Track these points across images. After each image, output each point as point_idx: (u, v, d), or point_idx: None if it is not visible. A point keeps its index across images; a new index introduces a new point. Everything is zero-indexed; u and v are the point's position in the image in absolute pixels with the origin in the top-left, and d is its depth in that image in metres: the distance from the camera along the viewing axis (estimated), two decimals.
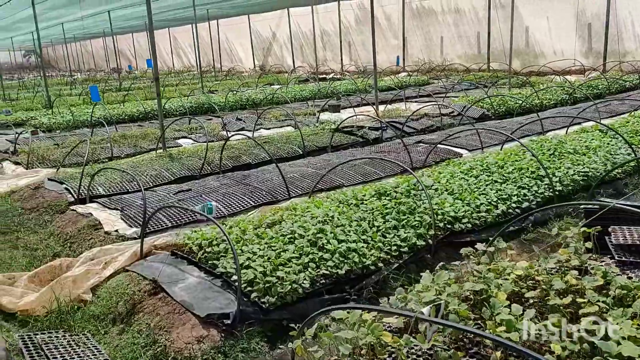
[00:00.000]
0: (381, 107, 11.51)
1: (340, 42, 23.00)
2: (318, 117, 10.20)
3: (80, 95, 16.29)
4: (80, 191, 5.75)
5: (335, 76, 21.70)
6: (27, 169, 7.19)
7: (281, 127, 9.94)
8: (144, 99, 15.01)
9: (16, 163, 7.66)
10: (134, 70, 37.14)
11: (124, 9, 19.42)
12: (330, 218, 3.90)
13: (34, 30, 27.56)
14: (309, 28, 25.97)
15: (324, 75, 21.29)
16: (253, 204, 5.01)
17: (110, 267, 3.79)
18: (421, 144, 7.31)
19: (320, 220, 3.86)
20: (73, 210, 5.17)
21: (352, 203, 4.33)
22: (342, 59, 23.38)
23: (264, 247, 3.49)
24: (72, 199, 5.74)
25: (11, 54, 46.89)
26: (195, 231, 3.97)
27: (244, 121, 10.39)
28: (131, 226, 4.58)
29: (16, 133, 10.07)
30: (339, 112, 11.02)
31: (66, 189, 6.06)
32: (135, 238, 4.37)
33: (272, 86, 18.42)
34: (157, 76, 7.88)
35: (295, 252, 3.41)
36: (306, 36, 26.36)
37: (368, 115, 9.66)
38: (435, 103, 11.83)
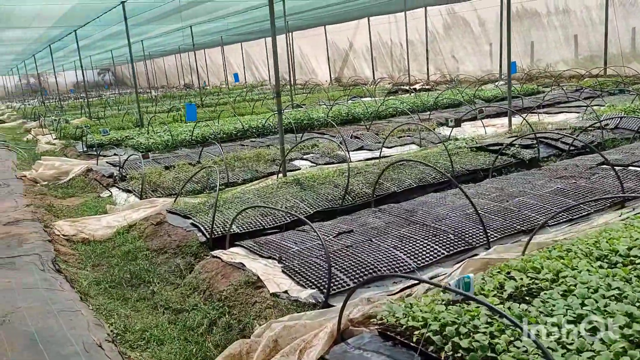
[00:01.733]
0: (502, 120, 10.16)
1: (427, 50, 21.70)
2: (451, 133, 8.93)
3: (170, 112, 15.86)
4: (213, 229, 4.83)
5: (422, 86, 20.41)
6: (140, 199, 6.39)
7: (403, 144, 8.78)
8: (231, 114, 14.33)
9: (126, 191, 6.92)
10: (207, 86, 37.34)
11: (201, 25, 19.07)
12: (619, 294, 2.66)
13: (113, 49, 28.17)
14: (389, 37, 24.88)
15: (415, 86, 20.04)
16: (445, 252, 3.84)
17: (306, 356, 2.72)
18: (605, 166, 5.93)
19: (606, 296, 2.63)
20: (216, 257, 4.21)
21: (616, 261, 3.08)
22: (428, 69, 22.07)
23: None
24: (204, 239, 4.83)
25: (89, 72, 48.60)
26: (410, 305, 2.84)
27: (361, 139, 9.31)
28: (304, 286, 3.52)
29: (117, 154, 9.51)
30: (460, 126, 9.74)
31: (193, 224, 5.16)
32: (315, 304, 3.31)
33: (361, 99, 17.37)
34: (279, 90, 6.94)
35: None
36: (387, 45, 25.27)
37: (509, 131, 8.37)
38: (570, 112, 10.37)
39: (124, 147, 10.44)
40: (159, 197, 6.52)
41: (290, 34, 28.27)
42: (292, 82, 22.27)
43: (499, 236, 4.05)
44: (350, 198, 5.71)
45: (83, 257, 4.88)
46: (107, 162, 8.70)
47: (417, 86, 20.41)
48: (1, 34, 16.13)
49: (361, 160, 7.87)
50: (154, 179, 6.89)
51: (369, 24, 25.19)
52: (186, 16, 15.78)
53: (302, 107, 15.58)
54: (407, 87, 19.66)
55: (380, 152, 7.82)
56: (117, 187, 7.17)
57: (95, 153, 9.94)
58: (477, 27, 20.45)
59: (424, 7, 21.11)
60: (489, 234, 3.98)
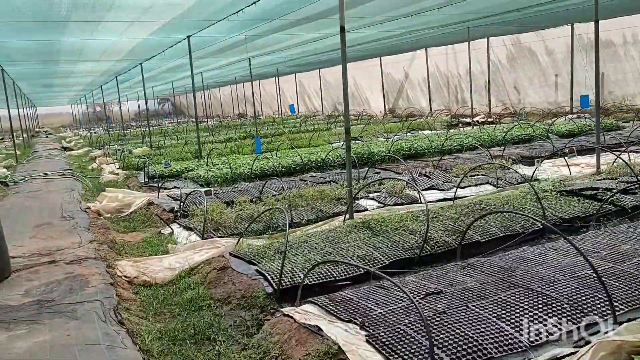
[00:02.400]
0: (586, 159, 9.37)
1: (489, 81, 21.01)
2: (534, 172, 8.25)
3: (227, 143, 15.87)
4: (282, 280, 4.43)
5: (484, 119, 19.67)
6: (202, 239, 6.10)
7: (477, 184, 8.19)
8: (288, 146, 14.12)
9: (188, 228, 6.67)
10: (260, 116, 37.80)
11: (260, 57, 19.22)
12: None
13: (174, 80, 29.01)
14: (447, 68, 24.37)
15: (476, 119, 19.34)
16: (562, 328, 3.25)
17: None
18: None
19: None
20: (287, 316, 3.78)
21: None
22: (489, 100, 21.34)
23: None
24: (271, 290, 4.43)
25: (150, 102, 50.43)
26: None
27: (430, 177, 8.78)
28: None
29: (177, 187, 9.39)
30: (538, 164, 9.03)
31: (258, 271, 4.78)
32: None
33: (420, 131, 16.85)
34: (348, 127, 6.58)
35: None
36: (444, 76, 24.74)
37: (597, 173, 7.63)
38: None
39: (184, 179, 10.34)
40: (221, 236, 6.22)
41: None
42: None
43: (627, 308, 3.42)
44: (428, 247, 5.20)
45: (145, 304, 4.58)
46: (167, 196, 8.55)
47: (479, 118, 19.69)
48: (75, 66, 16.75)
49: (432, 202, 7.33)
50: (215, 216, 6.62)
51: (426, 54, 24.78)
52: (246, 49, 15.91)
53: (359, 140, 15.23)
54: (469, 120, 18.99)
55: (455, 194, 7.26)
56: (178, 224, 6.94)
57: (156, 185, 9.89)
58: (544, 58, 19.63)
59: (486, 38, 20.53)
60: (614, 305, 3.37)
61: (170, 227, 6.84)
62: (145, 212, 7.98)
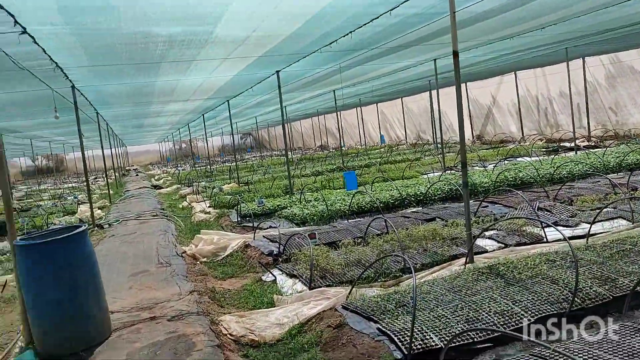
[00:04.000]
0: None
1: (587, 102, 19.39)
2: None
3: (315, 177, 15.49)
4: (412, 344, 3.74)
5: (583, 143, 18.03)
6: (310, 289, 5.53)
7: (608, 219, 7.07)
8: (380, 179, 13.46)
9: (291, 275, 6.13)
10: (344, 147, 37.57)
11: (346, 88, 18.95)
12: None
13: (257, 115, 29.49)
14: (537, 91, 22.93)
15: (579, 144, 17.78)
16: None
17: None
18: None
19: None
20: None
21: None
22: (588, 123, 19.65)
23: None
24: (400, 355, 3.75)
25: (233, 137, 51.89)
26: None
27: (551, 211, 7.77)
28: None
29: (272, 226, 8.98)
30: None
31: (381, 331, 4.11)
32: None
33: (516, 159, 15.62)
34: (465, 161, 5.84)
35: None
36: (535, 100, 23.25)
37: None
38: None
39: (277, 217, 9.95)
40: (329, 285, 5.62)
41: (428, 92, 27.48)
42: (437, 141, 21.14)
43: None
44: (577, 299, 4.31)
45: None
46: (264, 237, 8.13)
47: (579, 142, 18.10)
48: (165, 106, 17.25)
49: (560, 240, 6.35)
50: (321, 262, 6.04)
51: (515, 78, 23.47)
52: (332, 82, 15.65)
53: (453, 169, 14.31)
54: (569, 144, 17.46)
55: (589, 231, 6.25)
56: (280, 270, 6.43)
57: (249, 224, 9.55)
58: None
59: (581, 58, 19.07)
60: None
61: (271, 273, 6.34)
62: (242, 256, 7.58)
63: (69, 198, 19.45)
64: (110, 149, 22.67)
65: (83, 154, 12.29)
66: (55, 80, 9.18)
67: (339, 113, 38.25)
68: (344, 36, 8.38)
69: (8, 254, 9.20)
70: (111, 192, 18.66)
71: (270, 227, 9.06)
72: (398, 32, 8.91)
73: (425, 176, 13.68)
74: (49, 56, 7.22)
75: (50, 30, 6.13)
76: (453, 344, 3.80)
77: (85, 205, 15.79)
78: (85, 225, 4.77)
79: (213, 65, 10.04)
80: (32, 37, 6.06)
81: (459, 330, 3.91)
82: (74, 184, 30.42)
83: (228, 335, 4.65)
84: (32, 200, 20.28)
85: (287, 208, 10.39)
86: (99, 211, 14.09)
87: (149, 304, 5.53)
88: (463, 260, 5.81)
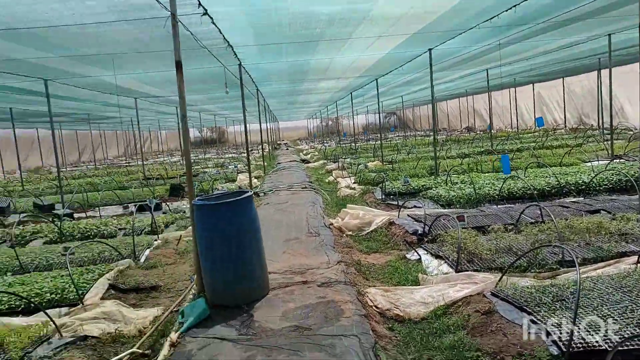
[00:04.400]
0: None
1: None
2: None
3: (462, 159, 15.00)
4: (572, 342, 3.51)
5: None
6: (456, 271, 5.45)
7: None
8: (534, 164, 12.58)
9: (437, 256, 6.09)
10: (491, 129, 35.63)
11: (501, 67, 17.82)
12: None
13: (404, 95, 29.20)
14: None
15: None
16: None
17: None
18: None
19: None
20: None
21: None
22: None
23: None
24: (556, 351, 3.54)
25: (377, 116, 52.15)
26: None
27: None
28: None
29: (416, 206, 8.95)
30: None
31: (534, 322, 3.91)
32: None
33: None
34: None
35: None
36: None
37: None
38: None
39: (422, 197, 9.87)
40: (477, 270, 5.48)
41: (596, 72, 24.74)
42: (603, 126, 19.10)
43: None
44: None
45: (402, 345, 4.12)
46: (408, 216, 8.14)
47: None
48: (318, 84, 17.91)
49: None
50: (469, 245, 5.90)
51: None
52: (486, 60, 14.88)
53: (623, 158, 12.83)
54: None
55: None
56: (425, 250, 6.41)
57: (393, 202, 9.63)
58: None
59: None
60: None
61: (416, 252, 6.36)
62: (386, 232, 7.70)
63: (229, 167, 21.28)
64: (266, 123, 24.22)
65: (246, 128, 13.32)
66: (226, 58, 10.03)
67: (489, 93, 36.32)
68: (507, 10, 7.90)
69: (181, 213, 10.44)
70: (265, 163, 20.00)
71: (415, 206, 9.03)
72: (570, 4, 8.14)
73: (588, 164, 12.47)
74: (223, 36, 7.91)
75: (226, 11, 6.71)
76: (622, 348, 3.50)
77: (244, 174, 17.19)
78: (251, 192, 5.23)
79: (366, 43, 10.15)
80: (211, 18, 6.70)
81: (628, 334, 3.59)
82: (233, 155, 33.15)
83: (373, 307, 4.80)
84: (200, 167, 22.56)
85: (432, 189, 10.25)
86: (255, 180, 15.22)
87: (301, 269, 5.91)
88: (635, 258, 5.26)
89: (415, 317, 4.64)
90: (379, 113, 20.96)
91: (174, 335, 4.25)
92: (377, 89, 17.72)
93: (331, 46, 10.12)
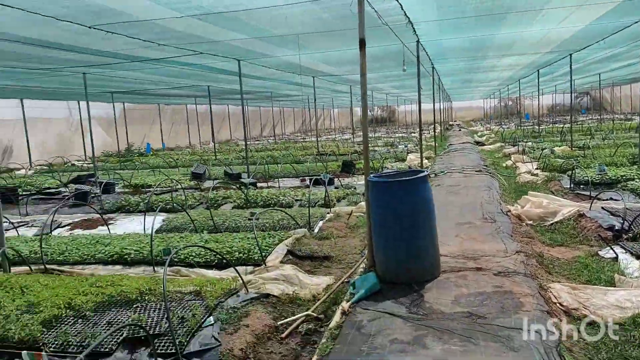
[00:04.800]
0: None
1: None
2: None
3: None
4: None
5: None
6: None
7: None
8: None
9: (638, 257, 5.32)
10: None
11: None
12: None
13: (602, 72, 25.87)
14: None
15: None
16: None
17: None
18: None
19: None
20: None
21: None
22: None
23: None
24: None
25: (565, 96, 47.32)
26: None
27: None
28: None
29: (612, 198, 7.93)
30: None
31: None
32: None
33: None
34: None
35: None
36: None
37: None
38: None
39: (620, 189, 8.68)
40: None
41: None
42: None
43: None
44: None
45: (590, 348, 3.69)
46: (602, 208, 7.23)
47: None
48: (499, 61, 16.80)
49: None
50: None
51: None
52: None
53: None
54: None
55: None
56: (622, 247, 5.64)
57: (584, 193, 8.64)
58: None
59: None
60: None
61: (612, 249, 5.63)
62: (574, 225, 6.95)
63: (399, 146, 21.24)
64: (440, 103, 23.57)
65: (420, 107, 13.10)
66: (403, 35, 9.89)
67: None
68: None
69: (352, 189, 10.72)
70: (436, 144, 19.52)
71: (611, 198, 8.00)
72: None
73: None
74: (404, 12, 7.78)
75: None
76: None
77: (414, 154, 17.00)
78: (427, 171, 5.11)
79: (562, 14, 9.14)
80: None
81: None
82: (402, 134, 33.03)
83: (557, 304, 4.37)
84: (370, 146, 22.94)
85: (634, 180, 8.96)
86: (426, 161, 14.94)
87: (474, 255, 5.64)
88: None
89: (609, 321, 4.11)
90: (571, 93, 18.89)
91: (345, 305, 4.39)
92: (570, 66, 15.96)
93: (520, 19, 9.32)
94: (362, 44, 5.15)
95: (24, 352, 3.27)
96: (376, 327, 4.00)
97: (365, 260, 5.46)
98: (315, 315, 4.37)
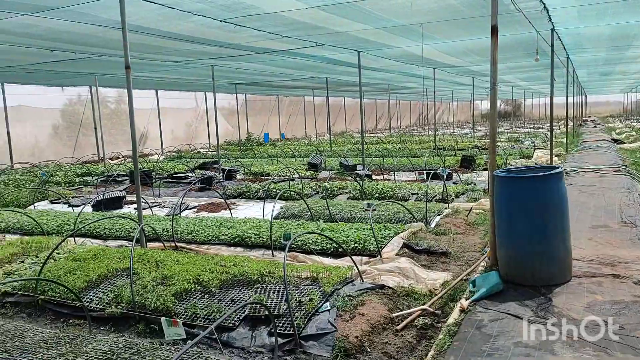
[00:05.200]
0: None
1: None
2: None
3: None
4: None
5: None
6: None
7: None
8: None
9: None
10: None
11: None
12: None
13: None
14: None
15: None
16: None
17: None
18: None
19: None
20: None
21: None
22: None
23: None
24: None
25: None
26: None
27: None
28: None
29: None
30: None
31: None
32: None
33: None
34: None
35: None
36: None
37: None
38: None
39: None
40: None
41: None
42: None
43: None
44: None
45: None
46: None
47: None
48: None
49: None
50: None
51: None
52: None
53: None
54: None
55: None
56: None
57: None
58: None
59: None
60: None
61: None
62: None
63: (525, 142, 19.99)
64: (573, 96, 21.76)
65: (552, 100, 12.17)
66: (536, 23, 9.24)
67: None
68: None
69: (472, 185, 10.29)
70: (567, 141, 18.06)
71: None
72: None
73: None
74: None
75: None
76: None
77: (541, 151, 15.90)
78: (561, 168, 4.73)
79: None
80: None
81: None
82: (528, 130, 31.05)
83: None
84: None
85: None
86: (556, 158, 13.88)
87: (611, 261, 5.12)
88: None
89: None
90: None
91: (464, 302, 4.21)
92: None
93: None
94: (494, 30, 4.88)
95: (163, 319, 3.55)
96: (498, 328, 3.78)
97: (486, 258, 5.20)
98: (431, 310, 4.25)
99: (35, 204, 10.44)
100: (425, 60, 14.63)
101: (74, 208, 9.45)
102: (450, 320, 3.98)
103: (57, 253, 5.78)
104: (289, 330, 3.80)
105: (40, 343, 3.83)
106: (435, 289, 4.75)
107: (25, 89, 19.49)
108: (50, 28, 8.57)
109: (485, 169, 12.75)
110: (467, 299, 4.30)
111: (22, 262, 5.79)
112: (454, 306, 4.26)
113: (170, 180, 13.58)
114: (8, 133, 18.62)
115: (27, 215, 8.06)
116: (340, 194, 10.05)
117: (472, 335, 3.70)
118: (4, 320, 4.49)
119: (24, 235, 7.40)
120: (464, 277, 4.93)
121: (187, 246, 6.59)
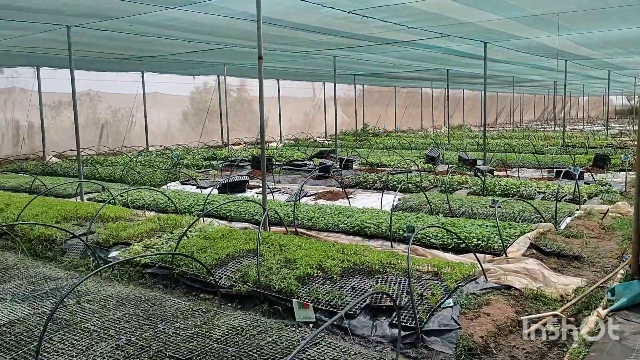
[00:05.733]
0: None
1: None
2: None
3: None
4: None
5: None
6: None
7: None
8: None
9: None
10: None
11: None
12: None
13: None
14: None
15: None
16: None
17: None
18: None
19: None
20: None
21: None
22: None
23: None
24: None
25: None
26: None
27: None
28: None
29: None
30: None
31: None
32: None
33: None
34: None
35: None
36: None
37: None
38: None
39: None
40: None
41: None
42: None
43: None
44: None
45: None
46: None
47: None
48: None
49: None
50: None
51: None
52: None
53: None
54: None
55: None
56: None
57: None
58: None
59: None
60: None
61: None
62: None
63: None
64: None
65: None
66: None
67: None
68: None
69: (607, 185, 9.47)
70: None
71: None
72: None
73: None
74: None
75: None
76: None
77: None
78: None
79: None
80: None
81: None
82: None
83: None
84: (628, 140, 19.93)
85: None
86: None
87: None
88: None
89: None
90: None
91: (602, 311, 3.92)
92: None
93: None
94: None
95: (294, 300, 3.73)
96: None
97: (627, 266, 4.77)
98: (564, 316, 4.01)
99: (168, 184, 11.41)
100: (558, 52, 13.64)
101: (202, 190, 10.20)
102: (586, 329, 3.73)
103: (190, 231, 6.26)
104: (410, 323, 3.80)
105: (177, 313, 4.15)
106: (567, 295, 4.47)
107: (161, 77, 21.26)
108: (192, 21, 9.25)
109: (622, 170, 11.66)
110: (604, 308, 4.00)
111: (160, 237, 6.35)
112: (588, 314, 3.99)
113: (288, 167, 14.10)
114: (145, 118, 20.57)
115: (164, 195, 8.85)
116: (460, 188, 9.77)
117: (611, 347, 3.44)
118: (145, 290, 4.93)
119: (159, 213, 8.10)
120: (601, 285, 4.57)
121: (307, 232, 6.81)
